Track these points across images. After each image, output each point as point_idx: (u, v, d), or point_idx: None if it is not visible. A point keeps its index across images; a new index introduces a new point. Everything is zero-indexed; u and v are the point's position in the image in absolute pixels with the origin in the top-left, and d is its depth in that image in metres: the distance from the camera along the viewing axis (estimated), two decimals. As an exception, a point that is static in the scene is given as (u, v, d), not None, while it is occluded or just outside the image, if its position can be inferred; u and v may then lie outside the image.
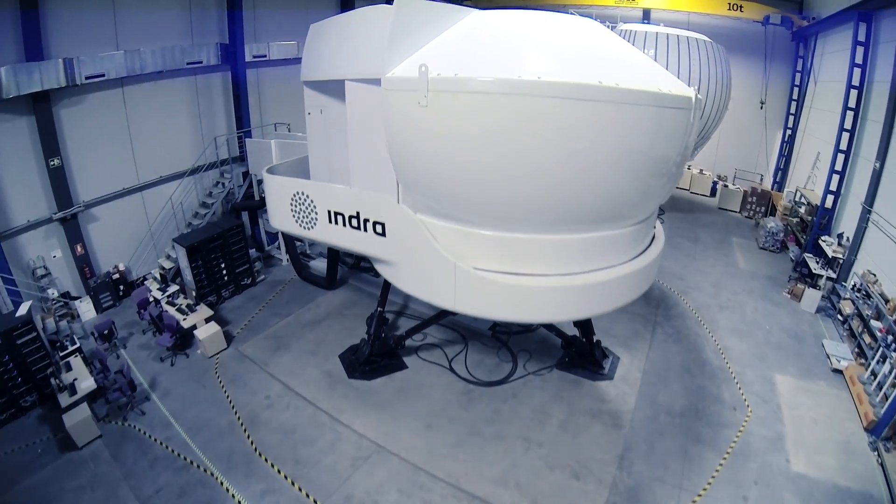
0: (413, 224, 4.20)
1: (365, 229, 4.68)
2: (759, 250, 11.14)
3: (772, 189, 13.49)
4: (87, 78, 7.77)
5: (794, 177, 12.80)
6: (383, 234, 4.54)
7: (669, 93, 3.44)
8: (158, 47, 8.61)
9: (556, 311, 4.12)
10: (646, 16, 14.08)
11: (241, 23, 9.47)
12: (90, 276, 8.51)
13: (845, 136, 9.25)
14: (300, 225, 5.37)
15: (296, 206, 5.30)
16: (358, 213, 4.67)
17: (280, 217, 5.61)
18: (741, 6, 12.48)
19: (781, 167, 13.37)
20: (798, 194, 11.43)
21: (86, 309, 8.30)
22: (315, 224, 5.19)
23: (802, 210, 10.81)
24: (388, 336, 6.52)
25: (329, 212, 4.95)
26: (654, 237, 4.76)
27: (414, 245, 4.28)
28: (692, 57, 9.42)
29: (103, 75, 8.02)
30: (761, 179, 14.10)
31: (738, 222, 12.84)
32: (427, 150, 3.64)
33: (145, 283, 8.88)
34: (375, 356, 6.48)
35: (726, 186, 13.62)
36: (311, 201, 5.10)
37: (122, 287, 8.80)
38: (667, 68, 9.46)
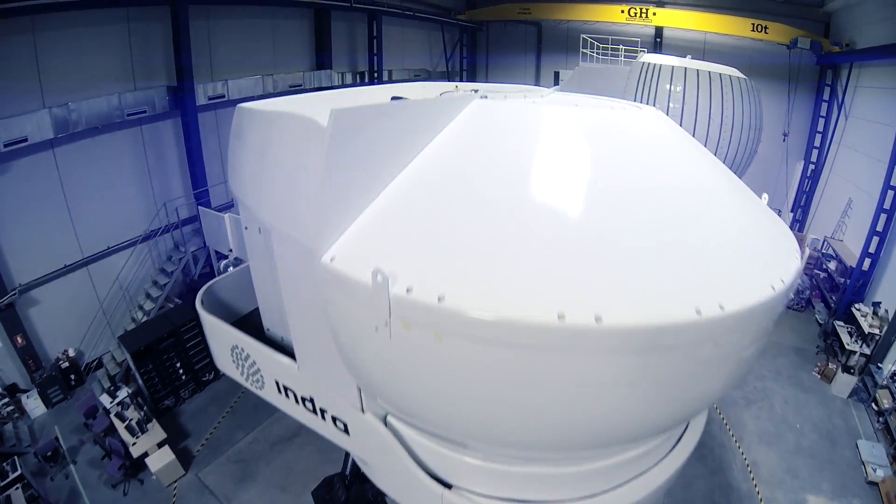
0: (383, 439, 3.12)
1: (323, 418, 3.59)
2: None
3: (791, 227, 12.47)
4: (6, 145, 6.50)
5: (817, 219, 11.78)
6: (346, 431, 3.46)
7: (782, 286, 2.18)
8: (93, 98, 7.28)
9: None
10: (658, 34, 12.72)
11: (190, 60, 8.03)
12: (35, 370, 7.47)
13: (890, 193, 8.18)
14: (247, 381, 4.27)
15: (238, 359, 4.19)
16: (312, 399, 3.57)
17: (223, 362, 4.47)
18: (766, 27, 11.17)
19: (802, 204, 12.33)
20: (825, 244, 10.44)
21: (34, 406, 7.35)
22: (263, 386, 4.09)
23: (832, 266, 9.84)
24: (367, 488, 5.52)
25: (277, 382, 3.84)
26: None
27: (386, 460, 3.21)
28: (724, 98, 8.23)
29: (26, 139, 6.73)
30: (779, 215, 13.06)
31: (756, 267, 11.85)
32: (392, 380, 2.48)
33: (96, 372, 7.84)
34: (353, 501, 5.49)
35: (743, 228, 12.56)
36: (254, 362, 3.98)
37: (73, 376, 7.78)
38: (696, 108, 8.25)
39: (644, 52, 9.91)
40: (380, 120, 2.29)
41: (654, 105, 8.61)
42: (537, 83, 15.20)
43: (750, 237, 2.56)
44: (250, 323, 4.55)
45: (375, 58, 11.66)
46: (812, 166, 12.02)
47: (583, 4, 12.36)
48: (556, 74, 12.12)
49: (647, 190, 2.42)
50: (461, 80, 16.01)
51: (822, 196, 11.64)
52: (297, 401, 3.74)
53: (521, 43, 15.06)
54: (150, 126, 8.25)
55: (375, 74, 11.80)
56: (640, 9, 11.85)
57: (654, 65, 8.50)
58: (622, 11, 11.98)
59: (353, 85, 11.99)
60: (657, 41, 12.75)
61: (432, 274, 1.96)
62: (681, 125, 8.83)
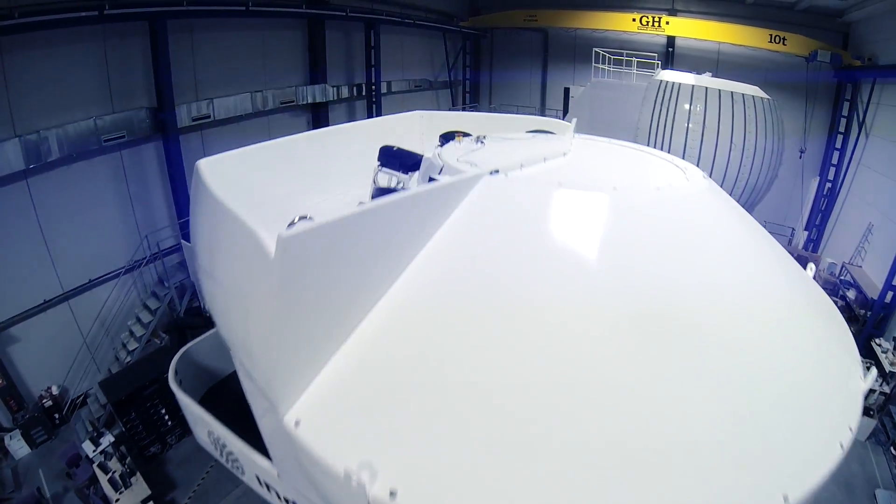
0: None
1: (313, 526, 3.16)
2: (797, 337, 9.81)
3: (805, 246, 12.06)
4: (-27, 177, 6.00)
5: (834, 240, 11.35)
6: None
7: (849, 436, 1.79)
8: (67, 124, 6.74)
9: None
10: (670, 44, 12.14)
11: (170, 79, 7.42)
12: (17, 410, 7.09)
13: (917, 226, 7.75)
14: (227, 463, 3.83)
15: (216, 444, 3.75)
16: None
17: (202, 439, 4.04)
18: (784, 38, 10.61)
19: (817, 223, 11.90)
20: (843, 270, 10.03)
21: (17, 447, 6.99)
22: (244, 474, 3.65)
23: (851, 294, 9.44)
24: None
25: (257, 476, 3.40)
26: None
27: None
28: (748, 120, 7.74)
29: (-5, 171, 6.22)
30: (792, 234, 12.63)
31: (768, 289, 11.44)
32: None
33: (81, 411, 7.43)
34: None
35: (756, 248, 12.11)
36: (233, 451, 3.53)
37: (57, 416, 7.40)
38: (717, 132, 7.72)
39: (658, 63, 9.38)
40: (351, 235, 1.65)
41: (672, 125, 8.09)
42: (543, 94, 14.58)
43: (809, 378, 2.04)
44: (231, 389, 4.09)
45: (373, 70, 11.04)
46: (829, 184, 11.55)
47: (592, 12, 11.74)
48: (567, 91, 11.51)
49: (696, 335, 1.82)
50: (464, 90, 15.38)
51: (839, 217, 11.20)
52: (279, 497, 3.31)
53: (526, 51, 14.40)
54: (130, 151, 7.70)
55: (373, 87, 11.20)
56: (653, 17, 11.26)
57: (673, 83, 7.97)
58: (633, 20, 11.38)
59: (349, 99, 11.40)
60: (669, 51, 12.17)
61: (424, 466, 1.45)
62: (700, 149, 8.25)
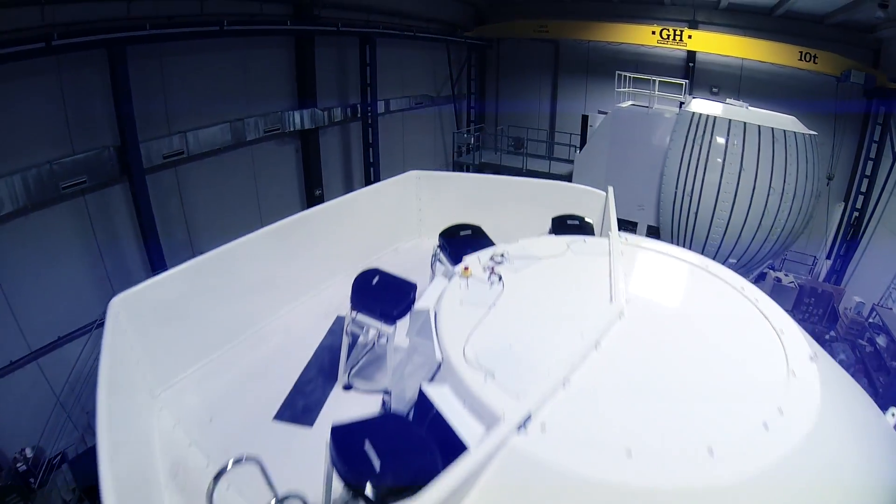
0: None
1: None
2: (822, 383, 9.24)
3: (828, 278, 11.45)
4: None
5: (860, 275, 10.74)
6: None
7: None
8: (18, 172, 5.88)
9: None
10: (691, 58, 11.25)
11: (132, 114, 6.47)
12: None
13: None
14: None
15: None
16: None
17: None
18: (815, 56, 9.80)
19: (842, 254, 11.26)
20: (873, 313, 9.42)
21: None
22: None
23: (881, 341, 8.85)
24: None
25: None
26: None
27: None
28: (788, 161, 6.99)
29: (-65, 230, 5.39)
30: (814, 263, 12.01)
31: (788, 324, 10.84)
32: None
33: (57, 475, 6.77)
34: None
35: (779, 280, 11.48)
36: None
37: (33, 480, 6.78)
38: (756, 173, 6.93)
39: (685, 85, 8.54)
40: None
41: (705, 165, 7.25)
42: (554, 109, 13.58)
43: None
44: None
45: (369, 89, 10.08)
46: (856, 214, 10.88)
47: (608, 24, 10.81)
48: (585, 119, 10.62)
49: None
50: (469, 106, 14.31)
51: (867, 250, 10.57)
52: None
53: (535, 63, 13.37)
54: (95, 195, 6.82)
55: (369, 109, 10.26)
56: (674, 30, 10.35)
57: (707, 116, 7.18)
58: (653, 33, 10.46)
59: (343, 122, 10.44)
60: (689, 66, 11.29)
61: None
62: (736, 192, 7.34)
